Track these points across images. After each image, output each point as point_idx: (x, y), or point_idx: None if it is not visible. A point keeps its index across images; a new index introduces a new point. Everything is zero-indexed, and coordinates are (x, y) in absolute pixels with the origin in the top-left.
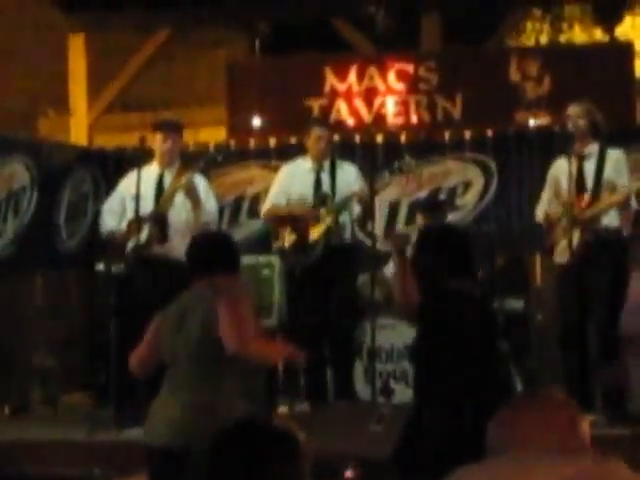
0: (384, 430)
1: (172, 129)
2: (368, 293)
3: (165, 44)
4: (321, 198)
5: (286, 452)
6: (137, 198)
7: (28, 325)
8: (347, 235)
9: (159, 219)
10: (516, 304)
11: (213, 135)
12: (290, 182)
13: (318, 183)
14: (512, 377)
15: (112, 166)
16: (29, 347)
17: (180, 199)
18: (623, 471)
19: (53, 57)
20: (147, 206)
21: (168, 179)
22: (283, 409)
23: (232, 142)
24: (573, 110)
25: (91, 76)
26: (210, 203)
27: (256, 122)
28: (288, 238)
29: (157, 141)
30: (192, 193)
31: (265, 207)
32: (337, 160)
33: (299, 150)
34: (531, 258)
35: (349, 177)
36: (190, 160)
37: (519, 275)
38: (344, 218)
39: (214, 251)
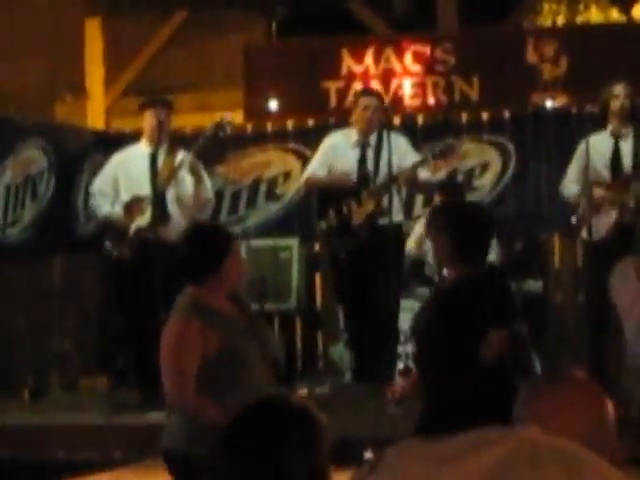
0: (403, 412)
1: (160, 105)
2: None
3: (181, 27)
4: (363, 178)
5: (306, 430)
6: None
7: (46, 309)
8: (396, 216)
9: (159, 200)
10: (534, 285)
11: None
12: (333, 155)
13: (363, 159)
14: (531, 358)
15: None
16: (47, 331)
17: (183, 179)
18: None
19: (69, 41)
20: (143, 186)
21: (160, 158)
22: (302, 392)
23: (249, 125)
24: (618, 90)
25: (107, 60)
26: (208, 182)
27: (273, 105)
28: (332, 220)
29: (146, 118)
30: (196, 170)
31: (303, 177)
32: (385, 132)
33: (316, 132)
34: (549, 239)
35: (399, 151)
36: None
37: (537, 256)
38: (388, 200)
39: (188, 254)
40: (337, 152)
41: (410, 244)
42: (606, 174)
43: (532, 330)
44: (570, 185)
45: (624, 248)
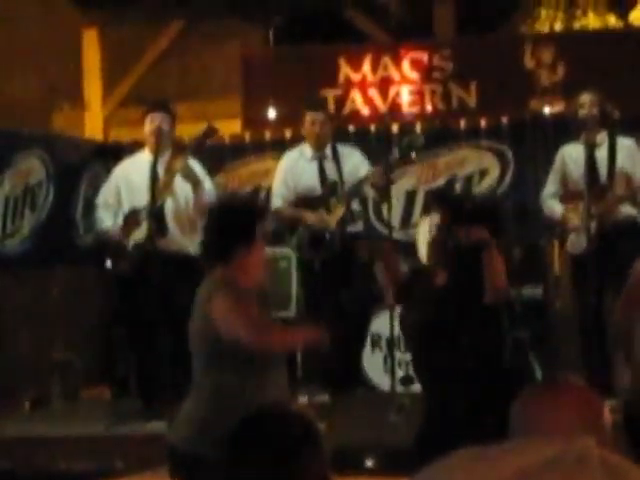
0: (404, 419)
1: (159, 109)
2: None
3: (179, 36)
4: (330, 187)
5: (305, 438)
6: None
7: (47, 320)
8: (360, 223)
9: (156, 212)
10: (534, 292)
11: (228, 127)
12: (293, 174)
13: (322, 172)
14: (531, 364)
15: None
16: (48, 342)
17: (178, 187)
18: (596, 449)
19: (67, 51)
20: (142, 196)
21: (161, 167)
22: (302, 399)
23: (247, 134)
24: (584, 98)
25: (105, 70)
26: (208, 183)
27: (271, 113)
28: (302, 234)
29: (145, 124)
30: (190, 174)
31: (275, 204)
32: (338, 145)
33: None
34: (549, 245)
35: (354, 161)
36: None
37: (537, 263)
38: (356, 205)
39: (217, 234)
40: (296, 170)
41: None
42: (582, 184)
43: (532, 336)
44: (550, 202)
45: (606, 259)
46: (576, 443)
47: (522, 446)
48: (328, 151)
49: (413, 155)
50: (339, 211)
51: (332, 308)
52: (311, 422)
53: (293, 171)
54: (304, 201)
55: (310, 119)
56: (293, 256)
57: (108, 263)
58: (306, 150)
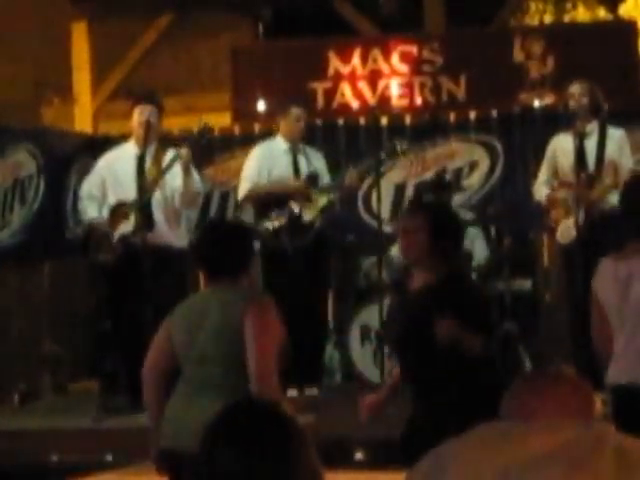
0: (394, 412)
1: (147, 101)
2: (375, 275)
3: (168, 30)
4: (311, 178)
5: (282, 431)
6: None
7: (36, 313)
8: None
9: (144, 206)
10: (524, 285)
11: (218, 120)
12: (266, 163)
13: (296, 164)
14: (520, 357)
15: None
16: (37, 335)
17: (168, 180)
18: (613, 433)
19: (56, 45)
20: (129, 189)
21: (148, 159)
22: (292, 392)
23: (237, 127)
24: (575, 89)
25: (94, 63)
26: (197, 175)
27: (260, 106)
28: (278, 219)
29: (134, 116)
30: (188, 164)
31: (243, 189)
32: (306, 146)
33: (305, 134)
34: (538, 238)
35: (321, 164)
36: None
37: (526, 256)
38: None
39: (235, 250)
40: (270, 160)
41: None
42: (572, 174)
43: (522, 329)
44: (540, 188)
45: (595, 248)
46: (593, 428)
47: (544, 426)
48: (301, 146)
49: (398, 157)
50: (321, 202)
51: (298, 299)
52: (287, 416)
53: (267, 162)
54: (279, 192)
55: (296, 114)
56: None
57: (91, 250)
58: (279, 144)
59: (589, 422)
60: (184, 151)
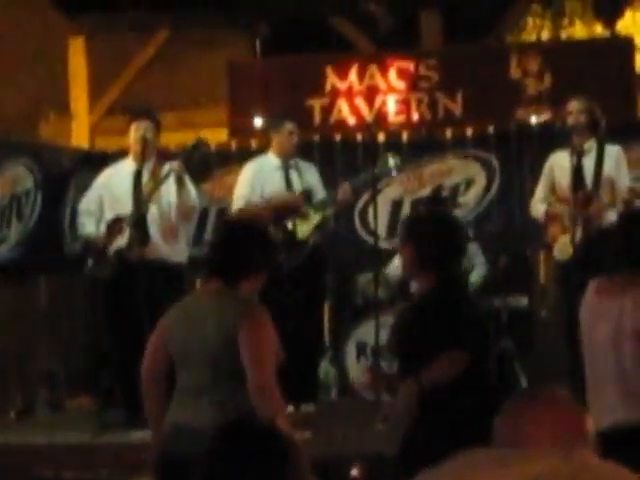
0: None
1: (144, 117)
2: (371, 292)
3: (165, 45)
4: (305, 194)
5: (275, 449)
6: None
7: (33, 329)
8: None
9: (139, 221)
10: (520, 301)
11: (215, 136)
12: (259, 180)
13: (289, 181)
14: (516, 373)
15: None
16: (34, 351)
17: (162, 193)
18: (593, 461)
19: (54, 60)
20: (125, 205)
21: (146, 175)
22: (288, 409)
23: (233, 143)
24: (573, 106)
25: (92, 79)
26: (194, 190)
27: (257, 122)
28: (273, 235)
29: (131, 132)
30: (181, 177)
31: (237, 206)
32: (299, 160)
33: (301, 149)
34: (534, 254)
35: (314, 179)
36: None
37: (523, 272)
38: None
39: (237, 252)
40: (262, 176)
41: (397, 261)
42: (569, 191)
43: (518, 345)
44: (537, 205)
45: (591, 266)
46: (573, 457)
47: (523, 455)
48: (293, 162)
49: (393, 173)
50: (316, 218)
51: (294, 315)
52: (292, 438)
53: (259, 179)
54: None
55: (289, 130)
56: None
57: (89, 265)
58: (271, 160)
59: (572, 451)
60: (175, 164)
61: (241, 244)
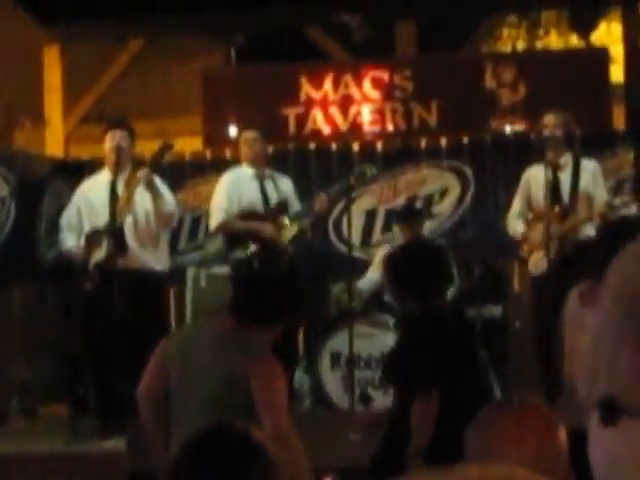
0: (363, 439)
1: (119, 126)
2: (345, 301)
3: (140, 54)
4: (281, 205)
5: (251, 460)
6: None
7: (6, 337)
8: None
9: (116, 231)
10: (494, 311)
11: (189, 145)
12: (235, 191)
13: (264, 191)
14: (490, 384)
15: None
16: (7, 360)
17: (138, 201)
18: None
19: (28, 69)
20: (103, 216)
21: (121, 184)
22: None
23: (208, 152)
24: (549, 119)
25: (66, 87)
26: (169, 195)
27: (232, 131)
28: (252, 247)
29: (106, 142)
30: (152, 185)
31: (216, 220)
32: (274, 172)
33: (275, 159)
34: (509, 265)
35: (289, 190)
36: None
37: (497, 282)
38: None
39: (268, 300)
40: (238, 187)
41: (372, 272)
42: (545, 205)
43: (492, 355)
44: (514, 222)
45: (566, 280)
46: (492, 470)
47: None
48: (267, 172)
49: (368, 181)
50: (293, 229)
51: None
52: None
53: (236, 190)
54: (251, 216)
55: (248, 137)
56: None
57: (75, 279)
58: (245, 171)
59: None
60: (144, 171)
61: (273, 291)
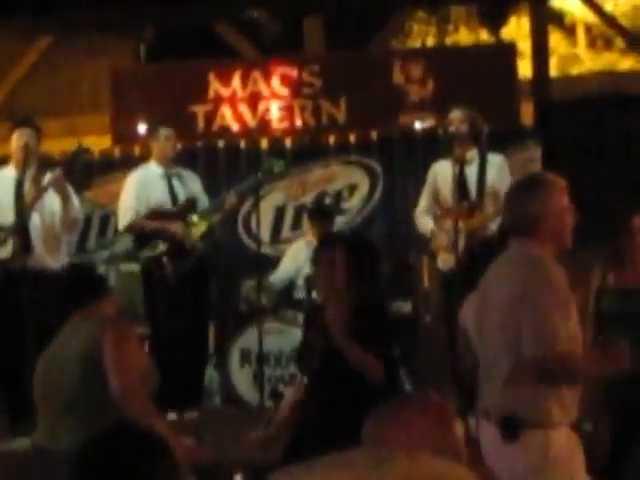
0: (273, 435)
1: (26, 125)
2: (254, 298)
3: (48, 51)
4: (191, 203)
5: (153, 457)
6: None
7: None
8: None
9: (21, 230)
10: (404, 306)
11: (98, 142)
12: (143, 190)
13: (172, 189)
14: (400, 378)
15: None
16: None
17: (46, 203)
18: (437, 468)
19: None
20: (8, 213)
21: (27, 182)
22: (172, 416)
23: (117, 150)
24: (455, 115)
25: None
26: (76, 201)
27: (141, 129)
28: (161, 245)
29: (13, 140)
30: (62, 188)
31: (125, 220)
32: (181, 169)
33: (184, 156)
34: (418, 260)
35: (197, 187)
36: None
37: (406, 278)
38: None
39: (87, 280)
40: (146, 185)
41: (284, 267)
42: (452, 201)
43: (402, 350)
44: (422, 218)
45: (475, 275)
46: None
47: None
48: (175, 170)
49: (277, 176)
50: (202, 227)
51: (179, 323)
52: (160, 441)
53: (144, 188)
54: (159, 215)
55: (165, 135)
56: (139, 272)
57: None
58: (153, 168)
59: (419, 455)
60: (56, 175)
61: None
